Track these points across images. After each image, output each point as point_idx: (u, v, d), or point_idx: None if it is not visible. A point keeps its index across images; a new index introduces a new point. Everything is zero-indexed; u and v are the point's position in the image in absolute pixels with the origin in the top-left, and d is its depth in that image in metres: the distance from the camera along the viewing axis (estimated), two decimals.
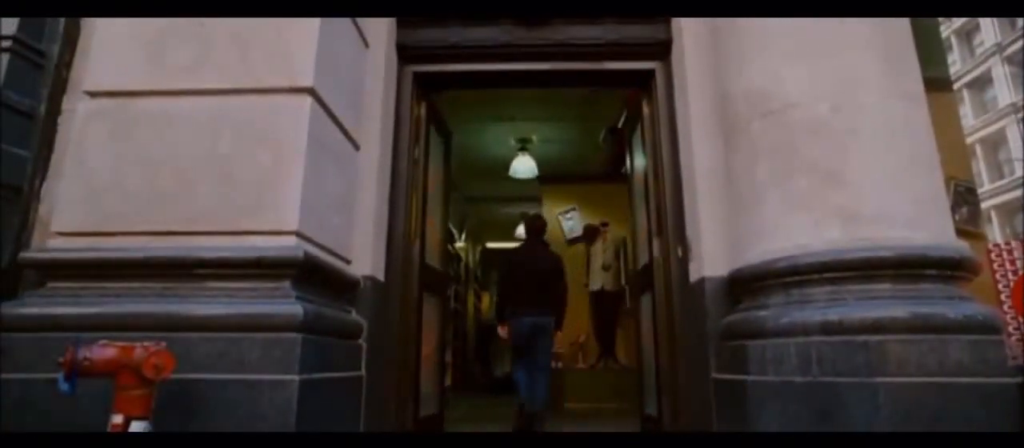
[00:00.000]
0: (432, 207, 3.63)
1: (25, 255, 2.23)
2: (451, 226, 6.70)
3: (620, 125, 4.47)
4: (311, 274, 2.26)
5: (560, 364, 6.15)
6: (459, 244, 9.17)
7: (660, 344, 3.06)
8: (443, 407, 3.80)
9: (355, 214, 2.82)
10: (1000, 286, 4.19)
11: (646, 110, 3.38)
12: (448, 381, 6.23)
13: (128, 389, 1.65)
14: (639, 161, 3.61)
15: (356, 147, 2.87)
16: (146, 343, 1.72)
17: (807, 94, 2.39)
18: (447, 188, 4.11)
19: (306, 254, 2.15)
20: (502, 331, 4.10)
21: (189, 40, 2.35)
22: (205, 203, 2.19)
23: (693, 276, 2.84)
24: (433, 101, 3.61)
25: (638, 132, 3.57)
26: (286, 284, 2.13)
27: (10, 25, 2.55)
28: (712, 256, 2.71)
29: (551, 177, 6.96)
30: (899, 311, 2.05)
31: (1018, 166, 19.37)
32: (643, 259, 3.56)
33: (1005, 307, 4.05)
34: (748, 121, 2.55)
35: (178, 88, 2.31)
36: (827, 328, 2.10)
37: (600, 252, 6.34)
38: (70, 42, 2.77)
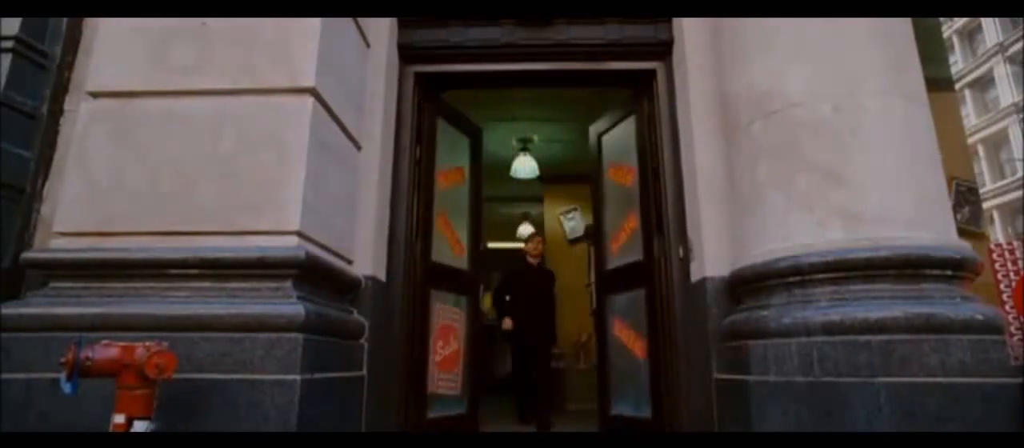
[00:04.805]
0: (451, 205, 3.58)
1: (27, 255, 2.24)
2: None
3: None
4: (313, 274, 2.26)
5: (561, 364, 6.15)
6: None
7: (661, 344, 3.06)
8: (475, 408, 3.55)
9: (357, 214, 2.82)
10: (1002, 286, 4.18)
11: (647, 110, 3.38)
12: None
13: (130, 389, 1.66)
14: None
15: (358, 147, 2.87)
16: (148, 343, 1.72)
17: (809, 94, 2.39)
18: (477, 185, 3.91)
19: (308, 254, 2.15)
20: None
21: (191, 40, 2.35)
22: (207, 203, 2.19)
23: (694, 276, 2.84)
24: (441, 99, 3.59)
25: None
26: (288, 284, 2.13)
27: (12, 25, 2.56)
28: (713, 256, 2.70)
29: (553, 177, 6.94)
30: (901, 311, 2.05)
31: (1020, 166, 19.34)
32: (624, 257, 3.50)
33: (1007, 307, 4.04)
34: (750, 121, 2.55)
35: (180, 88, 2.31)
36: (829, 328, 2.10)
37: None
38: (72, 42, 2.78)
